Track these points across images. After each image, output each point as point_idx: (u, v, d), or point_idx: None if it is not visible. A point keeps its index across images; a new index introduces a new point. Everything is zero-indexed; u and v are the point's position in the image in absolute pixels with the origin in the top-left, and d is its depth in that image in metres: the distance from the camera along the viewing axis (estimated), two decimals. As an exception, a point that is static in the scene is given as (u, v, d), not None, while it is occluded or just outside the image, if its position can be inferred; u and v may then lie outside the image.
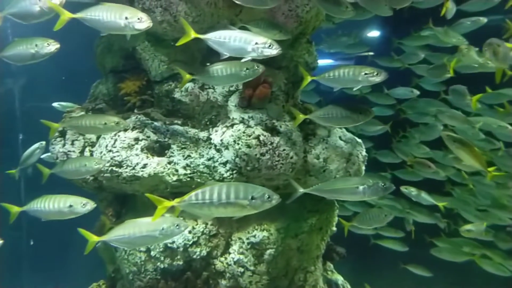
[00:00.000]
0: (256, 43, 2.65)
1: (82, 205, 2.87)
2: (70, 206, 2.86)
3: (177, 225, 2.60)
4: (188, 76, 2.95)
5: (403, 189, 5.04)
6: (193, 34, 2.73)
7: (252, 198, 2.35)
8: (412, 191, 4.91)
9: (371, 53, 6.08)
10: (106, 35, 3.78)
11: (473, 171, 4.74)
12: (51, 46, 2.81)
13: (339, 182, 3.08)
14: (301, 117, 3.14)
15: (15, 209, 3.03)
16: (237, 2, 2.93)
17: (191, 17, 3.20)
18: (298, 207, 3.51)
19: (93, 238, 2.73)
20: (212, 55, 3.52)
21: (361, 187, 2.86)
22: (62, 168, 3.13)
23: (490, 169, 3.17)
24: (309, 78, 3.07)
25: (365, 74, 2.87)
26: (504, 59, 2.79)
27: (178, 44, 2.79)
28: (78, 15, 2.72)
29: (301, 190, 2.98)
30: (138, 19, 2.68)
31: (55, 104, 4.80)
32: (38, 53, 2.81)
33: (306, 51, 3.76)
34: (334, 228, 3.91)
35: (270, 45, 2.65)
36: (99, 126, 3.02)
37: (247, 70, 2.81)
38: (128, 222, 2.73)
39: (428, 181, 5.11)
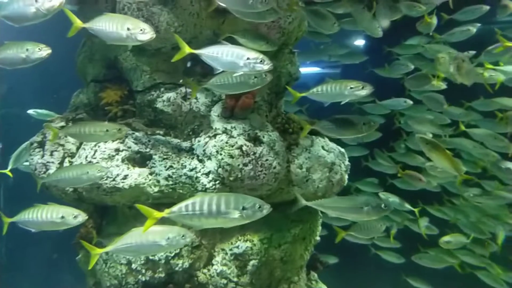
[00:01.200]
0: (248, 58, 2.68)
1: (73, 216, 2.81)
2: (62, 217, 2.80)
3: (183, 235, 2.57)
4: (197, 86, 2.94)
5: (380, 195, 5.20)
6: (187, 50, 2.75)
7: (243, 208, 2.34)
8: (389, 197, 5.07)
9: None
10: (88, 43, 3.79)
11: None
12: (42, 51, 2.76)
13: (345, 201, 3.08)
14: (308, 127, 3.18)
15: (6, 219, 2.96)
16: (237, 15, 3.00)
17: (173, 27, 3.19)
18: (281, 217, 3.50)
19: (96, 251, 2.67)
20: (195, 64, 3.54)
21: (365, 208, 2.89)
22: (61, 175, 3.01)
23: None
24: (298, 95, 3.10)
25: (351, 88, 2.92)
26: (467, 76, 2.78)
27: (173, 60, 2.80)
28: (87, 25, 2.72)
29: (304, 203, 3.00)
30: (141, 30, 2.66)
31: (30, 111, 4.71)
32: (29, 58, 2.75)
33: (289, 61, 3.79)
34: (318, 238, 3.92)
35: (261, 61, 2.69)
36: (100, 133, 2.96)
37: (256, 78, 2.87)
38: (133, 230, 2.66)
39: (427, 191, 5.17)
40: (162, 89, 3.43)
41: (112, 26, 2.66)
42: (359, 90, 2.91)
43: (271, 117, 3.79)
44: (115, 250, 2.63)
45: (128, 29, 2.65)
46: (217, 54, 2.71)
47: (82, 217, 2.82)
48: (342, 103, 3.00)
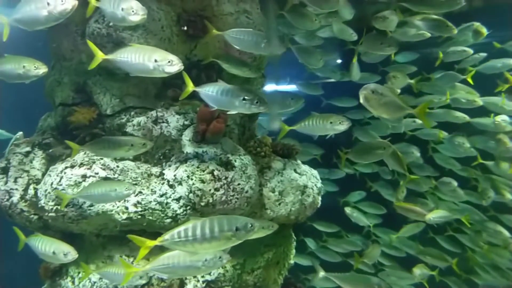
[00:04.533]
0: (244, 99, 2.80)
1: (63, 254, 2.83)
2: (54, 253, 2.84)
3: (219, 257, 2.53)
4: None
5: (346, 210, 5.61)
6: (191, 88, 2.82)
7: (237, 229, 2.34)
8: (353, 212, 5.50)
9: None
10: (57, 67, 3.72)
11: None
12: (38, 70, 2.73)
13: (360, 278, 3.48)
14: (345, 157, 3.62)
15: (23, 237, 3.01)
16: (243, 50, 3.18)
17: (144, 52, 3.17)
18: (254, 242, 3.44)
19: (132, 269, 2.60)
20: (166, 88, 3.53)
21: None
22: (87, 192, 2.89)
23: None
24: (287, 129, 3.28)
25: (331, 123, 3.13)
26: (385, 108, 2.81)
27: (180, 98, 2.87)
28: (110, 56, 2.70)
29: (323, 274, 3.25)
30: (169, 62, 2.63)
31: None
32: (25, 74, 2.72)
33: (261, 85, 3.83)
34: (292, 261, 3.89)
35: (257, 102, 2.81)
36: (125, 147, 2.93)
37: (292, 100, 3.41)
38: (169, 252, 2.59)
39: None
40: (132, 113, 3.39)
41: (139, 57, 2.63)
42: (337, 125, 3.14)
43: (244, 140, 3.80)
44: (152, 269, 2.57)
45: (156, 60, 2.62)
46: (213, 92, 2.81)
47: (71, 255, 2.85)
48: (328, 137, 3.31)
